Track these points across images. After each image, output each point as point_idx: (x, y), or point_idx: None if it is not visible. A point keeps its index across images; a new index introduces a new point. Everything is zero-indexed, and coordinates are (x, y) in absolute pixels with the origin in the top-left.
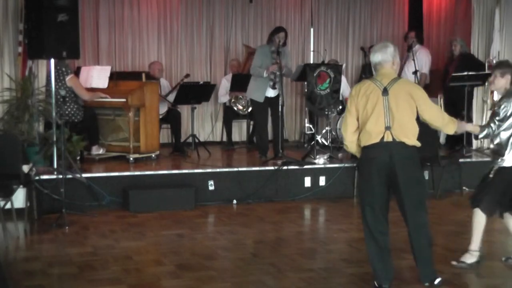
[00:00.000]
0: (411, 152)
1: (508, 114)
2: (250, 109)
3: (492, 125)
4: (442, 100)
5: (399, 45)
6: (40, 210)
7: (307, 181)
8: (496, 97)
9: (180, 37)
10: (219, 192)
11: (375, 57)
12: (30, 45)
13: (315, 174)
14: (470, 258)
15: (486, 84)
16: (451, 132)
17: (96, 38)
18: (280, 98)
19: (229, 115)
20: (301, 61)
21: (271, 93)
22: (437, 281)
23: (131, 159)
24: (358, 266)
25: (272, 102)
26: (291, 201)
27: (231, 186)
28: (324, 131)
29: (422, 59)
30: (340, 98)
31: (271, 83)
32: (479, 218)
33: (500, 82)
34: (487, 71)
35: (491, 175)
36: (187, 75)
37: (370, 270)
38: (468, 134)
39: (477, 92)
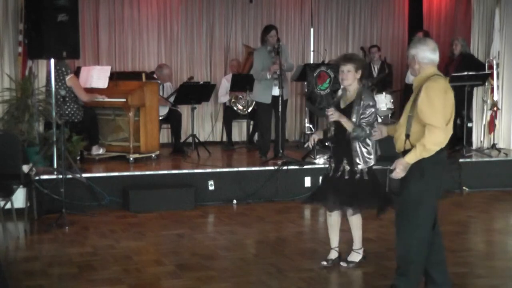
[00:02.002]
0: None
1: (373, 118)
2: (250, 109)
3: (366, 128)
4: None
5: (399, 45)
6: (40, 210)
7: (307, 181)
8: (496, 96)
9: (180, 37)
10: (219, 192)
11: (437, 56)
12: (30, 45)
13: (315, 174)
14: (357, 256)
15: (486, 84)
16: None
17: (96, 38)
18: (281, 95)
19: (229, 115)
20: (301, 61)
21: (276, 91)
22: None
23: (131, 159)
24: (358, 266)
25: (276, 102)
26: (291, 201)
27: (231, 186)
28: None
29: None
30: None
31: (276, 82)
32: (357, 219)
33: (353, 77)
34: (487, 71)
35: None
36: (191, 78)
37: (370, 270)
38: (468, 135)
39: (477, 92)
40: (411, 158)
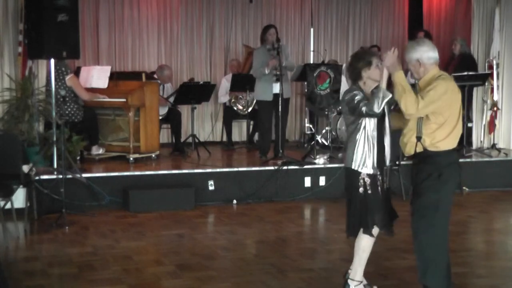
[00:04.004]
0: None
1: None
2: (250, 109)
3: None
4: None
5: (399, 45)
6: (40, 210)
7: (307, 181)
8: (496, 96)
9: (180, 37)
10: (219, 192)
11: (437, 54)
12: (30, 45)
13: (315, 174)
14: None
15: (486, 84)
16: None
17: (96, 38)
18: (281, 93)
19: (229, 115)
20: (301, 61)
21: (277, 89)
22: None
23: (131, 159)
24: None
25: (277, 101)
26: (291, 201)
27: (231, 186)
28: (324, 131)
29: None
30: (340, 98)
31: (275, 78)
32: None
33: None
34: (487, 71)
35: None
36: (192, 79)
37: (370, 270)
38: (468, 135)
39: (477, 92)
40: (399, 78)
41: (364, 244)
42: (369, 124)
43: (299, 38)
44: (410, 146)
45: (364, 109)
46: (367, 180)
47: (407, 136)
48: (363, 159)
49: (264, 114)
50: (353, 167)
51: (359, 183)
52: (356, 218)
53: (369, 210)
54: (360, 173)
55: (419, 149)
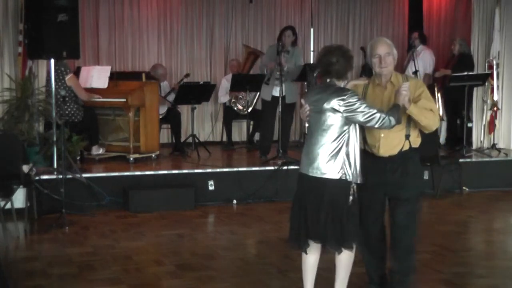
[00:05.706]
0: None
1: None
2: (250, 109)
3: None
4: (442, 100)
5: (399, 45)
6: (40, 210)
7: None
8: (496, 96)
9: (180, 37)
10: (219, 192)
11: None
12: (30, 45)
13: None
14: None
15: (486, 84)
16: None
17: (96, 38)
18: (281, 96)
19: (229, 115)
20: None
21: (277, 92)
22: None
23: (131, 159)
24: (358, 266)
25: (278, 104)
26: (291, 201)
27: (231, 186)
28: None
29: (426, 60)
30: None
31: (277, 82)
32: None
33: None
34: (487, 71)
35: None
36: (187, 75)
37: None
38: (468, 134)
39: (477, 92)
40: (415, 109)
41: (350, 258)
42: (355, 131)
43: (299, 38)
44: (399, 146)
45: (386, 118)
46: (355, 188)
47: (398, 136)
48: (353, 169)
49: (265, 113)
50: (344, 178)
51: (350, 192)
52: (347, 231)
53: (357, 220)
54: (350, 183)
55: (406, 147)
